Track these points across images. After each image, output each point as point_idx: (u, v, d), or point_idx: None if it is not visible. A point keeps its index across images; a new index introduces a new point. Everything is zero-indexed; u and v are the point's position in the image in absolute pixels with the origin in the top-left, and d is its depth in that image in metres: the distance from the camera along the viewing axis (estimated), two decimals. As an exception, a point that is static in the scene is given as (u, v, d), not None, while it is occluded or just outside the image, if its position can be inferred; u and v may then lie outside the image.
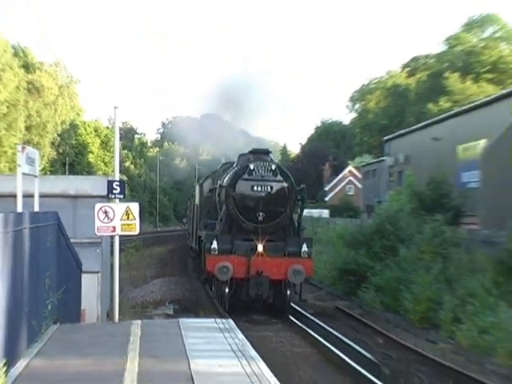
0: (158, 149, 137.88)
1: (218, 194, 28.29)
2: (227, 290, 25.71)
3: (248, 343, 14.00)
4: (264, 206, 26.44)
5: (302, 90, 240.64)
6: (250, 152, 28.52)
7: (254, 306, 26.82)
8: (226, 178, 28.35)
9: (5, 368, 9.91)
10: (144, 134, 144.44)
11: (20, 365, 11.51)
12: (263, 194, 26.58)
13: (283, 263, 25.82)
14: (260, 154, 28.15)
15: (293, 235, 27.47)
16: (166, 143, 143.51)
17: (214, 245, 25.81)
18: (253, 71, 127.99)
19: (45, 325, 14.52)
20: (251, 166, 26.60)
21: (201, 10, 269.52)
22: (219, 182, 28.76)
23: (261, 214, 26.33)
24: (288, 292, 26.29)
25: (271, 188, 26.66)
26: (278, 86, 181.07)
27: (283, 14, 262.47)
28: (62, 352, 12.83)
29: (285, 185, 26.93)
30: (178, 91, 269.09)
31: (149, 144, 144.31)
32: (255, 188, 26.52)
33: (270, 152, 29.17)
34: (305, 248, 26.36)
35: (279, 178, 26.85)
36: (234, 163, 30.43)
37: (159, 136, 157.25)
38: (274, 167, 26.84)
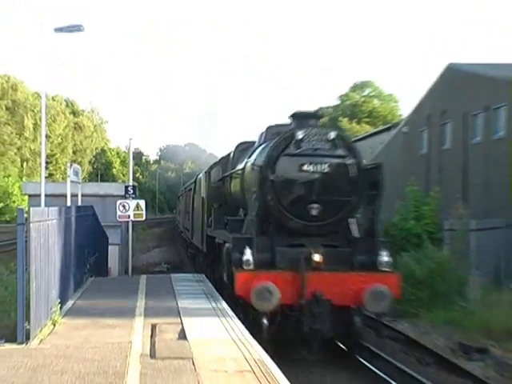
0: (157, 165, 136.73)
1: (246, 180, 12.89)
2: (266, 323, 10.61)
3: (214, 289, 14.01)
4: (320, 194, 11.48)
5: (302, 90, 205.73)
6: (292, 116, 12.68)
7: (308, 346, 11.12)
8: (257, 155, 12.80)
9: (59, 305, 9.95)
10: (148, 156, 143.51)
11: (69, 303, 11.46)
12: (318, 176, 11.48)
13: (353, 281, 11.05)
14: (307, 118, 12.52)
15: (363, 237, 11.98)
16: (162, 162, 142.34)
17: (248, 255, 10.93)
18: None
19: (85, 278, 14.47)
20: (299, 135, 11.55)
21: (201, 10, 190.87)
22: (249, 161, 13.14)
23: (315, 206, 11.48)
24: (357, 321, 11.09)
25: (330, 167, 11.61)
26: (278, 86, 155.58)
27: (283, 13, 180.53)
28: (96, 295, 12.77)
29: (350, 162, 11.77)
30: (176, 95, 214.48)
31: (151, 162, 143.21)
32: (306, 167, 11.50)
33: (322, 117, 13.54)
34: (385, 257, 11.30)
35: (341, 152, 11.74)
36: (254, 143, 14.78)
37: (158, 157, 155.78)
38: (332, 136, 11.68)
